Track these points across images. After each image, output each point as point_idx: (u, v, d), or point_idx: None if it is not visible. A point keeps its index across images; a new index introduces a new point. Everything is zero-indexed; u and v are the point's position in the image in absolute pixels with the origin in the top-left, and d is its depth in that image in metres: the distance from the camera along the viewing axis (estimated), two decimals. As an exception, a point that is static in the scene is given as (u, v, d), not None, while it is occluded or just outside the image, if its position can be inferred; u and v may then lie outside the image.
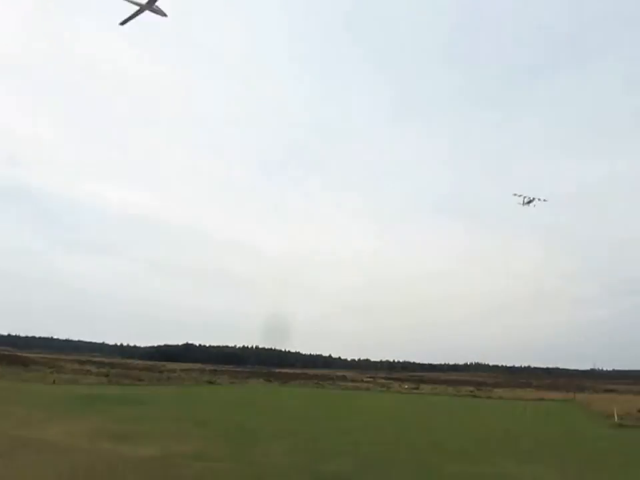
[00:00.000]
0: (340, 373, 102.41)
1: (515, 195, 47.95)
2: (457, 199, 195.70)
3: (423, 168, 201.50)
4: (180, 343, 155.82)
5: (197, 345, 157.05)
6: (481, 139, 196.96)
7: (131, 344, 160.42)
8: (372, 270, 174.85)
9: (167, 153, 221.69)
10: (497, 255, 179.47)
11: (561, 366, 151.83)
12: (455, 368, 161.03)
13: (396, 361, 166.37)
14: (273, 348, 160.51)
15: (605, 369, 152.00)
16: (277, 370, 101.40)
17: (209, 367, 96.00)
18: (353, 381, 76.34)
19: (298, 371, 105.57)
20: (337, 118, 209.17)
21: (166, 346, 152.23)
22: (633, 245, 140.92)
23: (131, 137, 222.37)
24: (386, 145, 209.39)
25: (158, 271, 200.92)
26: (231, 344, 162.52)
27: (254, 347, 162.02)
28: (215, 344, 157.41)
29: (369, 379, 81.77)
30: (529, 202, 48.46)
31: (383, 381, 79.38)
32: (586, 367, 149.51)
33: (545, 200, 48.81)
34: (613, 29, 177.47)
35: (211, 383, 56.81)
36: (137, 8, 43.50)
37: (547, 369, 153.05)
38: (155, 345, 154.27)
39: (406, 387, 68.03)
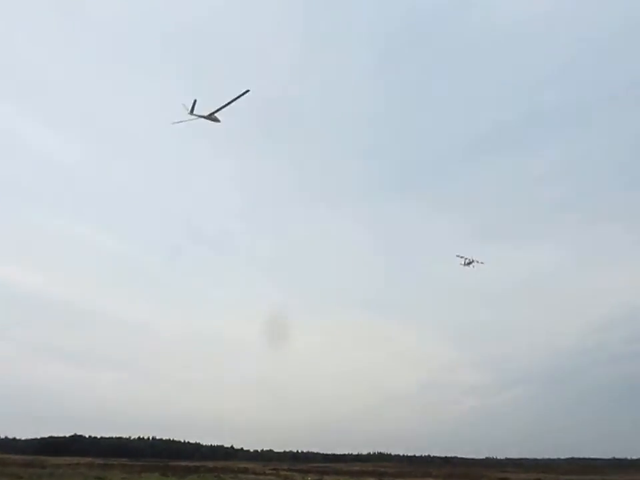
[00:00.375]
0: (242, 464, 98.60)
1: (457, 256, 52.84)
2: (365, 292, 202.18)
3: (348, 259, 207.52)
4: (67, 435, 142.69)
5: (87, 436, 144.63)
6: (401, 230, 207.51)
7: (9, 436, 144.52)
8: (277, 360, 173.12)
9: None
10: (401, 345, 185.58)
11: (459, 455, 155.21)
12: (358, 458, 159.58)
13: (300, 451, 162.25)
14: (171, 439, 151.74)
15: (498, 457, 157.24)
16: (175, 463, 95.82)
17: (99, 460, 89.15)
18: (255, 473, 73.93)
19: (197, 463, 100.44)
20: (240, 204, 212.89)
21: (51, 438, 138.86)
22: (521, 335, 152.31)
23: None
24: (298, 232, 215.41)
25: (41, 354, 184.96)
26: (124, 435, 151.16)
27: (150, 437, 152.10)
28: (106, 435, 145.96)
29: (271, 471, 79.49)
30: (469, 263, 53.24)
31: (286, 473, 77.53)
32: (482, 455, 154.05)
33: (482, 262, 54.08)
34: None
35: (100, 479, 52.99)
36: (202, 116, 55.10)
37: (446, 457, 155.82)
38: (38, 437, 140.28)
39: (309, 478, 67.05)
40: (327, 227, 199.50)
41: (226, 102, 52.05)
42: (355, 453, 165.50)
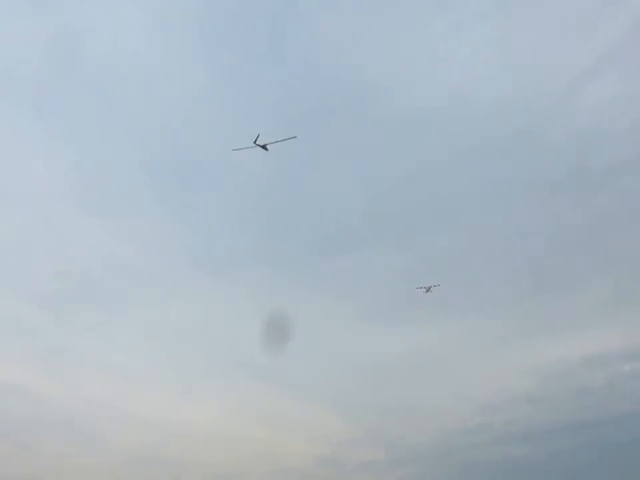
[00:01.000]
0: None
1: (418, 287, 55.51)
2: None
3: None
4: None
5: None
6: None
7: None
8: (169, 427, 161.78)
9: None
10: (296, 418, 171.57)
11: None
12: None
13: None
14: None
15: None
16: None
17: None
18: None
19: None
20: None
21: None
22: (412, 413, 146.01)
23: None
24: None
25: None
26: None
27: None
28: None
29: None
30: (428, 289, 55.49)
31: None
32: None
33: (438, 285, 56.76)
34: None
35: None
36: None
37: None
38: None
39: None
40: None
41: (277, 140, 70.93)
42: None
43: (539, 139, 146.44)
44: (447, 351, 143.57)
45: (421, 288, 57.11)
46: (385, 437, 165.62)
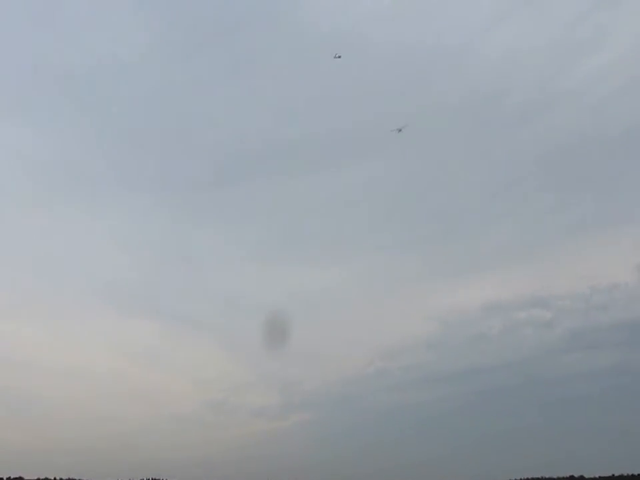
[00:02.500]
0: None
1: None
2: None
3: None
4: None
5: None
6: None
7: None
8: (37, 365, 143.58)
9: None
10: (181, 358, 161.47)
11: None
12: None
13: (59, 478, 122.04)
14: None
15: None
16: None
17: None
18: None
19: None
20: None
21: None
22: (311, 358, 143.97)
23: None
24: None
25: None
26: None
27: None
28: None
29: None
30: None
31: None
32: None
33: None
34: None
35: None
36: None
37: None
38: None
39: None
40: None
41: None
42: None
43: (456, 70, 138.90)
44: (347, 294, 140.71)
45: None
46: (280, 381, 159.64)
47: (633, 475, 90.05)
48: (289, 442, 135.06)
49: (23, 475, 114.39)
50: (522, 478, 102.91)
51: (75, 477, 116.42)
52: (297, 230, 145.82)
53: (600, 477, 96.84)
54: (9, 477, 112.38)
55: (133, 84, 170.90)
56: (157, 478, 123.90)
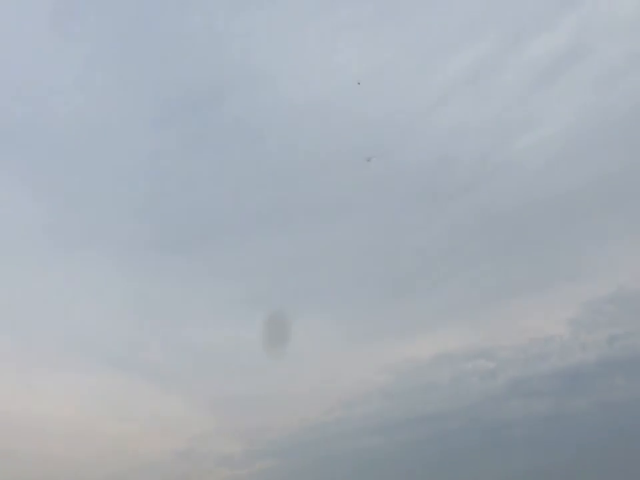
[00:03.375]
0: None
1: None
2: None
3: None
4: None
5: None
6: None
7: None
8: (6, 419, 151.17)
9: None
10: (147, 410, 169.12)
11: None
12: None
13: None
14: None
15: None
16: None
17: None
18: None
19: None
20: None
21: None
22: (274, 406, 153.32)
23: None
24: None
25: None
26: None
27: None
28: None
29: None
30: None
31: None
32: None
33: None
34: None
35: None
36: None
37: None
38: None
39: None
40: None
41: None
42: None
43: (393, 157, 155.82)
44: (308, 346, 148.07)
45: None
46: (243, 429, 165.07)
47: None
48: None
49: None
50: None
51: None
52: (260, 285, 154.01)
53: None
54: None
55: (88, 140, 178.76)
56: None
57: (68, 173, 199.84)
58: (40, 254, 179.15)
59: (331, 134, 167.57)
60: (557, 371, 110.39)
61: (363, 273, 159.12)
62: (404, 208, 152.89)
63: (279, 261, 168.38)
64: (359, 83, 70.66)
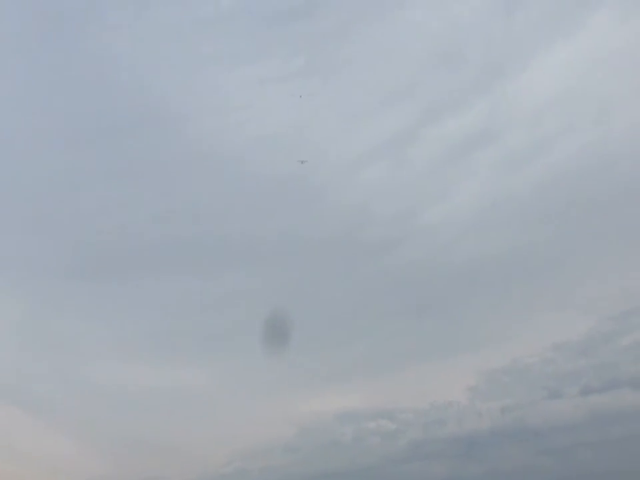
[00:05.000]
0: None
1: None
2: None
3: None
4: None
5: None
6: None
7: None
8: None
9: None
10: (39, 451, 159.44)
11: None
12: None
13: None
14: None
15: None
16: None
17: None
18: None
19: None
20: None
21: None
22: (171, 452, 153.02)
23: None
24: None
25: None
26: None
27: None
28: None
29: None
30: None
31: None
32: None
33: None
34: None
35: None
36: None
37: None
38: None
39: None
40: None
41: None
42: None
43: (315, 206, 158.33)
44: (211, 392, 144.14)
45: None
46: (140, 477, 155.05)
47: None
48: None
49: None
50: None
51: None
52: (168, 328, 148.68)
53: None
54: None
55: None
56: None
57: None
58: None
59: (245, 185, 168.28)
60: (455, 436, 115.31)
61: (274, 324, 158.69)
62: (317, 262, 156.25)
63: (193, 300, 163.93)
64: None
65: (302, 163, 75.74)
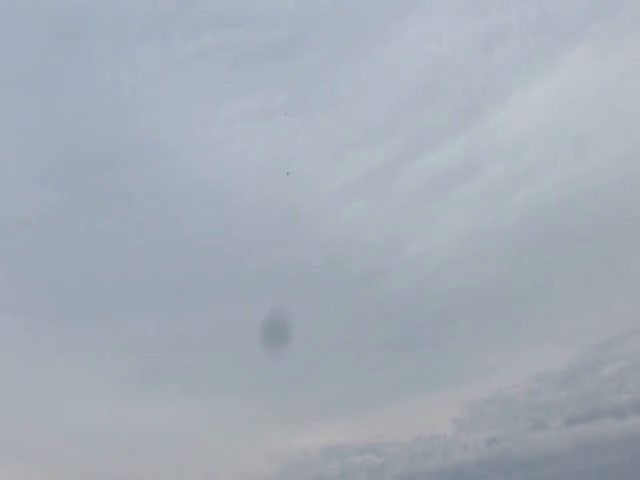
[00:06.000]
0: None
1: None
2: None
3: None
4: None
5: None
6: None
7: None
8: None
9: None
10: None
11: None
12: None
13: None
14: None
15: None
16: None
17: None
18: None
19: None
20: None
21: None
22: None
23: None
24: None
25: None
26: None
27: None
28: None
29: None
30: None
31: None
32: None
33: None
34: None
35: None
36: None
37: None
38: None
39: None
40: None
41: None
42: None
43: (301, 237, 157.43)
44: (193, 431, 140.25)
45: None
46: None
47: None
48: None
49: None
50: None
51: None
52: (147, 367, 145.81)
53: None
54: None
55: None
56: None
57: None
58: None
59: (223, 217, 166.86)
60: (441, 468, 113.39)
61: (257, 359, 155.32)
62: (301, 295, 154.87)
63: (174, 337, 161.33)
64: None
65: (287, 174, 76.80)
